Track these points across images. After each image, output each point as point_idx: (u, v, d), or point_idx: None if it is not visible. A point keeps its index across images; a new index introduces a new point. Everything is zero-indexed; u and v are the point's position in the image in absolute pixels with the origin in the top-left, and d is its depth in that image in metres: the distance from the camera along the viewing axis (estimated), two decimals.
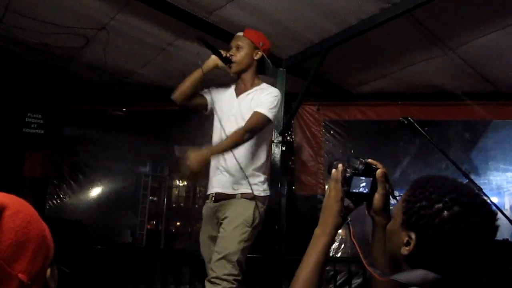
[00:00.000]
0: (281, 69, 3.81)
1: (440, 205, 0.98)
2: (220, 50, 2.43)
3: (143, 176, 6.60)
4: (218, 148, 2.37)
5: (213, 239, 2.40)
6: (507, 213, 3.59)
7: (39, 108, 4.63)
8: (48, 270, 0.81)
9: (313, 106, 4.37)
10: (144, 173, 6.72)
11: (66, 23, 3.36)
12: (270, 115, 2.38)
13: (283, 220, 4.37)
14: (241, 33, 2.53)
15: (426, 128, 2.16)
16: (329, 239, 1.17)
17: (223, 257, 2.24)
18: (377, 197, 1.22)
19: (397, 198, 1.26)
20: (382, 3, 2.87)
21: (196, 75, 2.45)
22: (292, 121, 4.27)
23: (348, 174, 1.20)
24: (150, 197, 7.42)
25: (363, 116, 4.37)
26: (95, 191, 4.90)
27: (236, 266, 2.25)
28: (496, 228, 1.00)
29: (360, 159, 1.23)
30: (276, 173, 3.90)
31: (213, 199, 2.45)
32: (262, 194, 2.45)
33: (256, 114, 2.36)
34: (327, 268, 4.12)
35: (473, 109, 4.00)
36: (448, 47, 3.34)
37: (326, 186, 1.26)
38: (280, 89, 3.85)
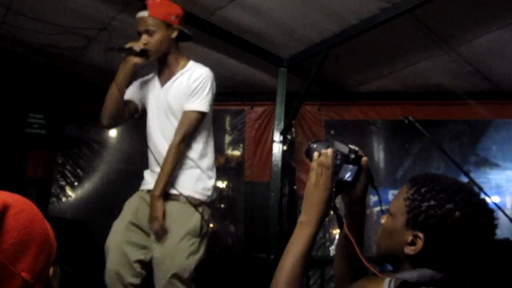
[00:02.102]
0: (282, 68, 3.81)
1: (451, 205, 0.97)
2: (129, 46, 2.09)
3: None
4: (162, 182, 2.04)
5: (137, 228, 2.12)
6: (508, 212, 3.58)
7: (40, 108, 4.64)
8: (51, 269, 0.81)
9: (314, 106, 4.36)
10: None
11: (68, 23, 3.36)
12: (203, 107, 2.09)
13: (285, 219, 4.37)
14: (144, 13, 2.10)
15: (427, 127, 2.16)
16: (315, 229, 1.11)
17: (173, 276, 2.00)
18: (359, 186, 1.18)
19: (376, 187, 1.23)
20: (383, 2, 2.87)
21: (116, 89, 2.10)
22: (293, 121, 4.27)
23: (338, 162, 1.13)
24: None
25: (364, 116, 4.37)
26: (98, 191, 4.90)
27: (188, 282, 2.04)
28: (497, 227, 1.01)
29: (349, 145, 1.16)
30: (277, 173, 3.91)
31: (149, 192, 2.16)
32: (209, 199, 2.17)
33: (186, 114, 2.08)
34: (329, 267, 4.13)
35: (474, 109, 3.99)
36: (449, 46, 3.34)
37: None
38: (281, 88, 3.86)
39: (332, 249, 4.37)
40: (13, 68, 4.11)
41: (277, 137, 3.97)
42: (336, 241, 4.36)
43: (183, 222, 2.07)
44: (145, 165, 2.35)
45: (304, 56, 3.64)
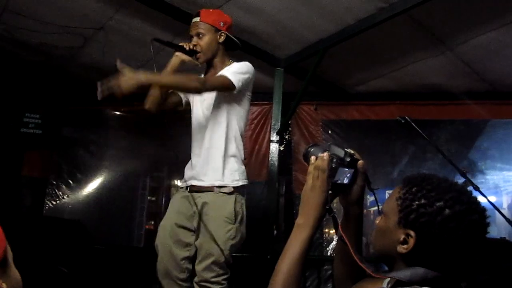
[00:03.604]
0: (279, 68, 3.82)
1: (441, 203, 0.98)
2: (181, 44, 2.27)
3: (141, 175, 6.61)
4: (158, 77, 2.16)
5: (181, 228, 2.25)
6: (505, 212, 3.60)
7: (37, 108, 4.62)
8: None
9: (311, 106, 4.37)
10: (143, 173, 6.72)
11: (64, 22, 3.36)
12: (233, 79, 2.15)
13: (281, 219, 4.37)
14: (197, 19, 2.32)
15: (423, 127, 2.16)
16: (312, 232, 1.13)
17: (212, 261, 2.13)
18: (356, 188, 1.20)
19: (374, 189, 1.24)
20: (380, 2, 2.88)
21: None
22: (290, 121, 4.28)
23: (334, 165, 1.16)
24: (149, 197, 7.38)
25: (361, 116, 4.37)
26: (94, 191, 4.89)
27: (224, 266, 2.16)
28: (488, 225, 1.01)
29: (345, 149, 1.19)
30: (274, 173, 3.91)
31: (187, 189, 2.31)
32: (241, 184, 2.28)
33: (218, 75, 2.21)
34: (325, 267, 4.13)
35: (471, 109, 4.01)
36: (446, 46, 3.35)
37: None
38: (278, 88, 3.87)
39: (329, 249, 4.38)
40: (9, 67, 4.09)
41: (274, 137, 3.98)
42: (334, 242, 4.37)
43: (219, 209, 2.20)
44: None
45: (301, 56, 3.65)
